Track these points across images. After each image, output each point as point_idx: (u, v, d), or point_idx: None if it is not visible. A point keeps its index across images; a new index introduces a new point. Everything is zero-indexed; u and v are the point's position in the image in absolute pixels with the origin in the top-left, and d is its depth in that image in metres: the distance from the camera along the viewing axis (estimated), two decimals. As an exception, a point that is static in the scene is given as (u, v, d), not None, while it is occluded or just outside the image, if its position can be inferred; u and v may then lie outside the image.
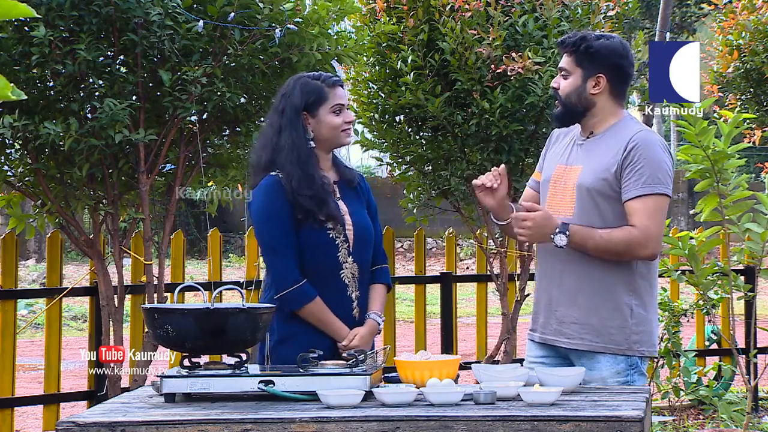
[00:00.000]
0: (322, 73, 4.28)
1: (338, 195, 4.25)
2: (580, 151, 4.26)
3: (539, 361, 4.26)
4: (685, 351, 7.87)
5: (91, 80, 5.86)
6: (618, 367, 4.18)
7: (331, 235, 4.17)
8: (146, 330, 5.88)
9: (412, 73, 6.90)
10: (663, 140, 4.28)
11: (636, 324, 4.19)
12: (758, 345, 8.30)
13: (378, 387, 3.61)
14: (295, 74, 4.41)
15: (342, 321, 4.20)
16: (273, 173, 4.18)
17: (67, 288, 6.76)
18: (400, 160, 7.47)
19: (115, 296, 6.29)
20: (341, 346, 4.17)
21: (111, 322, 6.25)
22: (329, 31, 6.05)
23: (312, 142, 4.18)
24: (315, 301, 4.15)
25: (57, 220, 6.24)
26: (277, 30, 5.76)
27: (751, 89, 9.40)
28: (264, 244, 4.23)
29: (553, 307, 4.25)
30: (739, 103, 9.38)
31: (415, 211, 7.49)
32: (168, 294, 6.42)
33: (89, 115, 5.86)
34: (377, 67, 7.21)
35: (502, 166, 4.25)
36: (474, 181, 4.23)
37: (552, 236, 4.10)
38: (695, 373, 8.23)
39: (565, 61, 4.26)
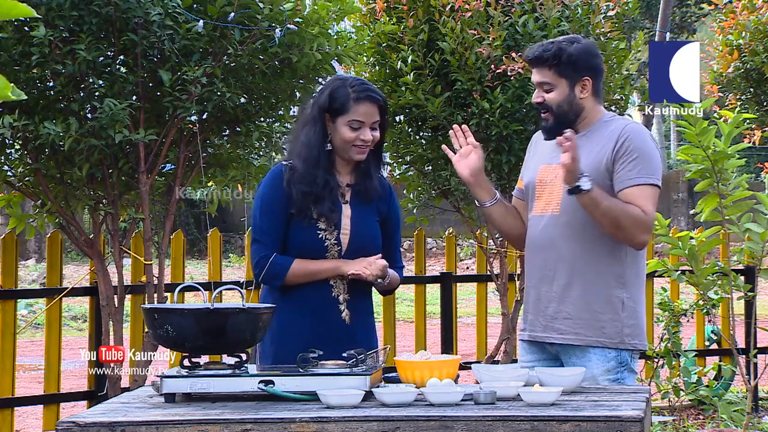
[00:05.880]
0: (361, 84, 4.17)
1: (347, 199, 4.21)
2: None
3: (530, 365, 4.25)
4: (685, 351, 7.87)
5: (91, 80, 5.86)
6: (608, 365, 4.20)
7: (320, 236, 4.14)
8: (146, 330, 5.88)
9: (412, 73, 6.90)
10: (650, 132, 4.34)
11: (627, 317, 4.23)
12: (758, 345, 8.29)
13: (378, 387, 3.61)
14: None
15: (328, 324, 4.14)
16: (285, 162, 4.20)
17: (67, 288, 6.76)
18: (400, 160, 7.47)
19: (115, 296, 6.29)
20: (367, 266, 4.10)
21: (111, 322, 6.25)
22: (329, 31, 6.05)
23: (329, 145, 4.17)
24: (293, 266, 4.12)
25: (57, 220, 6.24)
26: (277, 30, 5.76)
27: (751, 89, 9.40)
28: (252, 227, 4.23)
29: (543, 304, 4.27)
30: (739, 103, 9.37)
31: (415, 211, 7.49)
32: (168, 294, 6.42)
33: (89, 115, 5.86)
34: (377, 67, 7.21)
35: (465, 126, 4.36)
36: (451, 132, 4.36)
37: (579, 177, 4.07)
38: (695, 373, 8.23)
39: (544, 75, 4.26)
